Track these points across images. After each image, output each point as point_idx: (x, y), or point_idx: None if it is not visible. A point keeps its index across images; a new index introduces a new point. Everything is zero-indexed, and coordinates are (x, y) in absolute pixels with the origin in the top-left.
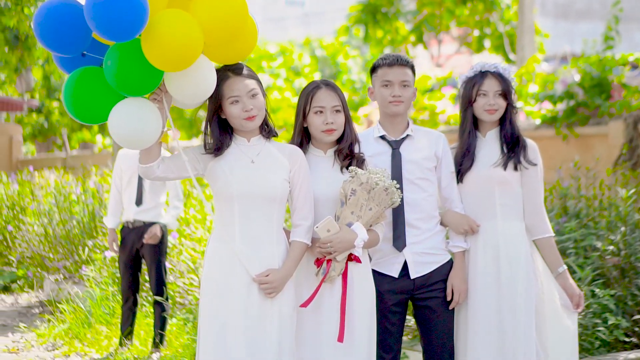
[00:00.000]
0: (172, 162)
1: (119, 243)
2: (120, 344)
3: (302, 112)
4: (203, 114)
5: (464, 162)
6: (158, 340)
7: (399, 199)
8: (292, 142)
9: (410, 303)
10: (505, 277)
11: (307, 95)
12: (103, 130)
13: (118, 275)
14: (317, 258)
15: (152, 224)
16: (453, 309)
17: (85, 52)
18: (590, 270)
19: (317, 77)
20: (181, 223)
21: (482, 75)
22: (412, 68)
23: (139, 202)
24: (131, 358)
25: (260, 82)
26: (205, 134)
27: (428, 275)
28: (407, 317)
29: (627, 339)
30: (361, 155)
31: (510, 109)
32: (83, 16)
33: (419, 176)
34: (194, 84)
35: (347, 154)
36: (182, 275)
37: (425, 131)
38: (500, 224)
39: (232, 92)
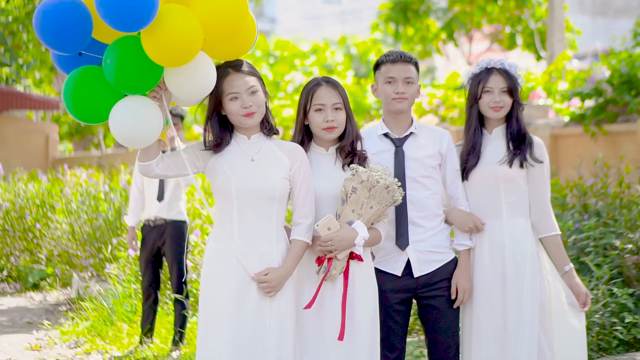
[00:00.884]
0: (172, 160)
1: (138, 241)
2: (141, 342)
3: (303, 109)
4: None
5: (469, 159)
6: (178, 339)
7: (401, 197)
8: (293, 139)
9: (415, 302)
10: (510, 275)
11: (308, 92)
12: None
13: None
14: (318, 256)
15: (173, 221)
16: (458, 307)
17: (82, 52)
18: (609, 269)
19: (350, 75)
20: (204, 221)
21: (487, 71)
22: (416, 65)
23: (160, 197)
24: (151, 356)
25: (262, 80)
26: (205, 130)
27: (432, 274)
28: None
29: None
30: (363, 152)
31: (516, 106)
32: (83, 14)
33: (422, 174)
34: (194, 81)
35: (349, 151)
36: None
37: (430, 129)
38: (506, 222)
39: (231, 88)
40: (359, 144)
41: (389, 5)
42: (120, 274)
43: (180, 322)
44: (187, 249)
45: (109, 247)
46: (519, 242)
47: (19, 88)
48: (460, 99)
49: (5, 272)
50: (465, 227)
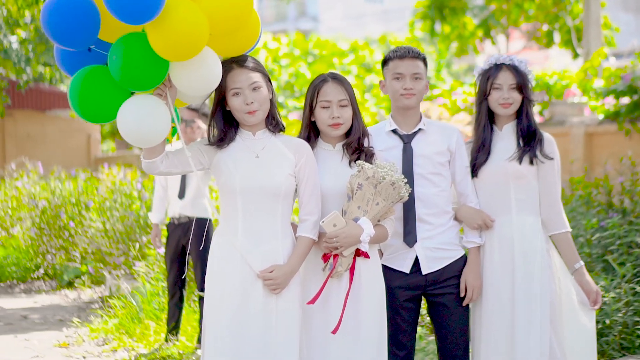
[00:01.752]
0: (176, 157)
1: (161, 239)
2: (166, 340)
3: (309, 106)
4: None
5: (478, 156)
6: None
7: (407, 194)
8: (299, 136)
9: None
10: (520, 273)
11: (314, 89)
12: None
13: None
14: (324, 253)
15: (197, 219)
16: (468, 305)
17: (91, 47)
18: (632, 267)
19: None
20: None
21: (497, 68)
22: (424, 60)
23: (181, 194)
24: (176, 353)
25: (268, 76)
26: (210, 125)
27: (440, 271)
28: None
29: None
30: (370, 149)
31: (526, 102)
32: (92, 9)
33: (430, 171)
34: (200, 76)
35: (356, 147)
36: None
37: (439, 125)
38: (516, 219)
39: (234, 84)
40: (365, 140)
41: (425, 3)
42: (149, 272)
43: None
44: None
45: (137, 245)
46: (529, 239)
47: (62, 88)
48: None
49: (41, 270)
50: (474, 224)
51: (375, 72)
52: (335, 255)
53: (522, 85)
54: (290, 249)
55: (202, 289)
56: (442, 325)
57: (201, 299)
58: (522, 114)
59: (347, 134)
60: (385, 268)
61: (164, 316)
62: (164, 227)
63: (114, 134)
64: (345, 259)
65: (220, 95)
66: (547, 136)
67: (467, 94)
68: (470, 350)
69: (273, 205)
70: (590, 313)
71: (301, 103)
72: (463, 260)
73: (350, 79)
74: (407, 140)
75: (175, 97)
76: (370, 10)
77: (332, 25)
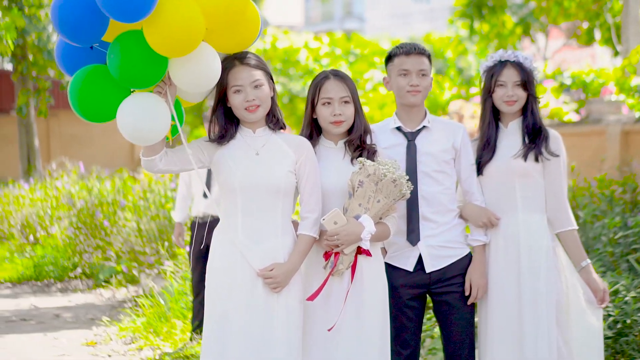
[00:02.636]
0: (176, 155)
1: (184, 237)
2: (190, 339)
3: (311, 103)
4: None
5: (483, 154)
6: None
7: (409, 191)
8: (301, 133)
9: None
10: (525, 271)
11: (316, 86)
12: None
13: None
14: (326, 251)
15: None
16: (473, 304)
17: (94, 45)
18: None
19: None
20: None
21: (501, 65)
22: (429, 57)
23: (205, 193)
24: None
25: (270, 74)
26: (210, 122)
27: (445, 269)
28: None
29: None
30: (373, 146)
31: (531, 99)
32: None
33: (435, 169)
34: (198, 72)
35: (358, 145)
36: None
37: (444, 122)
38: (521, 217)
39: (235, 81)
40: (368, 137)
41: (464, 2)
42: (177, 271)
43: None
44: None
45: (166, 244)
46: (535, 237)
47: None
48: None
49: (79, 270)
50: (479, 222)
51: None
52: (337, 253)
53: (526, 82)
54: (290, 247)
55: None
56: (447, 323)
57: None
58: (527, 111)
59: (349, 131)
60: (388, 266)
61: (191, 315)
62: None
63: None
64: (347, 257)
65: (222, 91)
66: (552, 133)
67: None
68: (476, 348)
69: (273, 202)
70: (598, 311)
71: None
72: (468, 258)
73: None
74: (411, 137)
75: (175, 95)
76: (416, 9)
77: (377, 24)
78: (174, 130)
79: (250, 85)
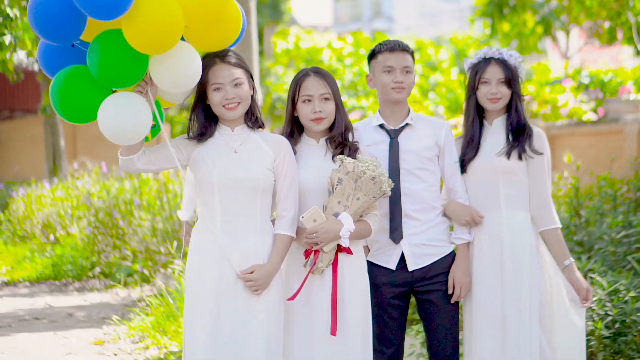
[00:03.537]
0: (155, 154)
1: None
2: None
3: (292, 100)
4: None
5: (467, 151)
6: None
7: (389, 189)
8: (282, 131)
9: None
10: (508, 269)
11: (296, 83)
12: None
13: None
14: (306, 249)
15: None
16: (457, 302)
17: (74, 43)
18: None
19: (454, 72)
20: None
21: (485, 61)
22: (412, 54)
23: None
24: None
25: (249, 72)
26: (190, 119)
27: (428, 268)
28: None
29: None
30: (355, 143)
31: (515, 96)
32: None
33: (417, 166)
34: (179, 71)
35: (340, 142)
36: None
37: (428, 120)
38: (505, 215)
39: (215, 79)
40: (350, 134)
41: (485, 1)
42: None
43: None
44: None
45: (175, 244)
46: (518, 235)
47: None
48: (559, 95)
49: (97, 269)
50: (462, 220)
51: (440, 71)
52: (316, 251)
53: (511, 79)
54: (269, 246)
55: None
56: (431, 322)
57: None
58: (511, 109)
59: (331, 128)
60: (371, 264)
61: None
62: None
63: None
64: (326, 254)
65: (202, 89)
66: (537, 131)
67: (525, 91)
68: (461, 347)
69: (252, 200)
70: (581, 310)
71: (360, 102)
72: (452, 256)
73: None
74: (393, 135)
75: (155, 94)
76: (446, 9)
77: (406, 24)
78: (154, 131)
79: (230, 83)
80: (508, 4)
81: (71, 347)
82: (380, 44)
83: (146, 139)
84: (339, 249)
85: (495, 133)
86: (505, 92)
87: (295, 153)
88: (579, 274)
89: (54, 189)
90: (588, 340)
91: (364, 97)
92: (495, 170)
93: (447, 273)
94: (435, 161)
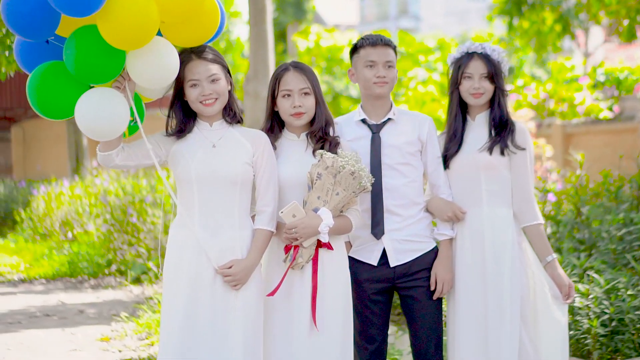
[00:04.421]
0: (133, 150)
1: None
2: None
3: (271, 96)
4: None
5: (449, 146)
6: None
7: (370, 184)
8: (262, 126)
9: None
10: (490, 266)
11: (276, 78)
12: None
13: None
14: (286, 244)
15: None
16: (440, 299)
17: (49, 40)
18: None
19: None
20: None
21: (468, 56)
22: (395, 49)
23: None
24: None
25: (227, 67)
26: (168, 116)
27: (410, 264)
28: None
29: None
30: (336, 138)
31: (498, 92)
32: None
33: (399, 161)
34: (155, 67)
35: (320, 136)
36: None
37: (410, 114)
38: (486, 211)
39: (192, 75)
40: (330, 129)
41: None
42: None
43: None
44: None
45: None
46: (499, 231)
47: None
48: (575, 93)
49: (114, 267)
50: (444, 216)
51: None
52: (296, 247)
53: (493, 74)
54: (248, 241)
55: None
56: (413, 318)
57: None
58: (494, 104)
59: (312, 123)
60: (353, 260)
61: None
62: None
63: None
64: (306, 250)
65: (179, 86)
66: (519, 126)
67: (538, 88)
68: (444, 343)
69: (230, 195)
70: (563, 307)
71: None
72: (434, 252)
73: (436, 76)
74: (375, 130)
75: (133, 90)
76: (473, 7)
77: (433, 22)
78: (131, 128)
79: (207, 79)
80: (526, 2)
81: (77, 343)
82: (362, 38)
83: (124, 135)
84: (319, 244)
85: (478, 128)
86: (488, 87)
87: (275, 148)
88: (561, 270)
89: (73, 186)
90: (584, 339)
91: None
92: (477, 166)
93: (430, 269)
94: (417, 156)
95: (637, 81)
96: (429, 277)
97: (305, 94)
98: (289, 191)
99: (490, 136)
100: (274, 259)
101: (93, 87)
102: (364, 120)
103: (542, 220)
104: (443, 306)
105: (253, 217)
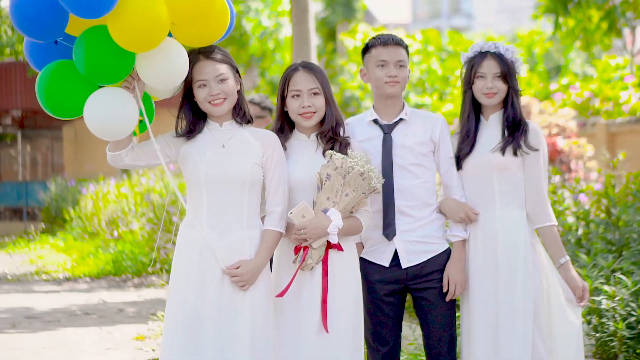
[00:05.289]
0: (142, 150)
1: None
2: None
3: (281, 96)
4: None
5: (462, 147)
6: None
7: (380, 185)
8: (272, 127)
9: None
10: (503, 268)
11: (285, 78)
12: None
13: None
14: (296, 245)
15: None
16: (453, 300)
17: (58, 40)
18: None
19: (524, 68)
20: None
21: (481, 56)
22: (406, 48)
23: None
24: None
25: (236, 67)
26: (178, 117)
27: (422, 265)
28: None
29: None
30: (346, 138)
31: (512, 91)
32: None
33: (411, 162)
34: (165, 68)
35: (331, 137)
36: None
37: (423, 115)
38: (499, 212)
39: (200, 75)
40: (341, 129)
41: None
42: None
43: None
44: None
45: None
46: (512, 233)
47: None
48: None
49: (158, 265)
50: (457, 217)
51: None
52: (305, 248)
53: (507, 74)
54: (257, 241)
55: None
56: (426, 320)
57: None
58: (507, 104)
59: (322, 123)
60: (364, 261)
61: None
62: None
63: None
64: (316, 251)
65: (187, 86)
66: (533, 127)
67: (584, 87)
68: (458, 344)
69: (239, 195)
70: (577, 309)
71: (424, 99)
72: (447, 254)
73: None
74: (387, 130)
75: (143, 90)
76: (525, 5)
77: (485, 21)
78: (142, 126)
79: (215, 79)
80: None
81: (113, 342)
82: (374, 38)
83: (134, 133)
84: (329, 245)
85: (491, 128)
86: (501, 87)
87: (285, 149)
88: (574, 273)
89: (119, 185)
90: (610, 341)
91: (428, 94)
92: (490, 167)
93: (443, 270)
94: (430, 157)
95: None
96: (441, 279)
97: (315, 94)
98: (299, 192)
99: (503, 136)
100: (284, 259)
101: (102, 86)
102: (375, 121)
103: (555, 221)
104: (456, 308)
105: (263, 219)
